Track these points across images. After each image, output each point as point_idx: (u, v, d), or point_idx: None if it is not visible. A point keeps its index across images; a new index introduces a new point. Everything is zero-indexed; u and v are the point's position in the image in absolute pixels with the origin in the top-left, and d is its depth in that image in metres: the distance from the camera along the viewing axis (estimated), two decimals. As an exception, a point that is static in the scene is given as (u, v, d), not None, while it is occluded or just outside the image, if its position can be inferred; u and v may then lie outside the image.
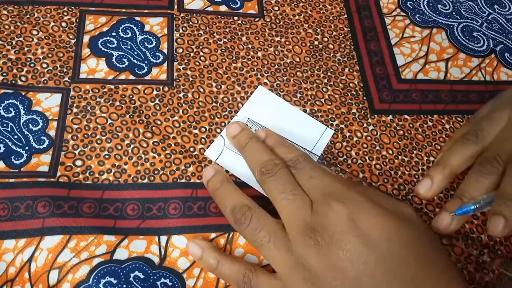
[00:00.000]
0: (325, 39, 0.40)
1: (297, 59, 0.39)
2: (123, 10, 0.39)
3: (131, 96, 0.35)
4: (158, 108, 0.35)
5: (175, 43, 0.38)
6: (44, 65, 0.35)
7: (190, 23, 0.40)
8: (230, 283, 0.28)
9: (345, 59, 0.39)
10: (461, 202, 0.30)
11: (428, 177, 0.32)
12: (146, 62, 0.37)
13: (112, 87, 0.35)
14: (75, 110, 0.34)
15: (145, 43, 0.38)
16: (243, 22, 0.40)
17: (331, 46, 0.40)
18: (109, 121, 0.34)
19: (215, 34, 0.39)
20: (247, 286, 0.26)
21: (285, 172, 0.28)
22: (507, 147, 0.31)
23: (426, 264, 0.24)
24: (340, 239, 0.24)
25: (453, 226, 0.30)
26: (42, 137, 0.32)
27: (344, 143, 0.35)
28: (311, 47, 0.40)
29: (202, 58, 0.38)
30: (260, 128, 0.33)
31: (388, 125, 0.36)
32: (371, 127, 0.36)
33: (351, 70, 0.39)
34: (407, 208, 0.27)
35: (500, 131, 0.32)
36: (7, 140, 0.32)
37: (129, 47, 0.37)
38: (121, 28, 0.38)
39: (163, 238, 0.30)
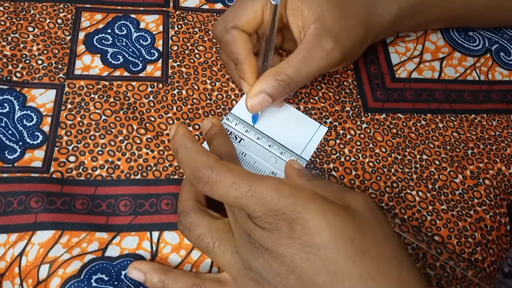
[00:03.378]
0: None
1: (292, 57, 0.39)
2: (119, 7, 0.40)
3: (125, 93, 0.35)
4: (152, 105, 0.35)
5: (170, 41, 0.38)
6: (39, 62, 0.36)
7: (186, 20, 0.40)
8: None
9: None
10: None
11: None
12: (141, 59, 0.37)
13: (107, 83, 0.35)
14: (69, 106, 0.34)
15: (140, 40, 0.38)
16: (239, 20, 0.40)
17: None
18: (103, 117, 0.34)
19: (210, 31, 0.39)
20: None
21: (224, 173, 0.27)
22: None
23: (374, 261, 0.23)
24: (281, 244, 0.23)
25: None
26: (36, 133, 0.33)
27: (338, 141, 0.35)
28: (306, 45, 0.40)
29: (197, 56, 0.38)
30: (206, 119, 0.33)
31: (382, 123, 0.36)
32: (364, 125, 0.36)
33: (345, 69, 0.39)
34: (354, 199, 0.25)
35: None
36: (1, 135, 0.32)
37: (124, 44, 0.38)
38: (116, 25, 0.39)
39: (155, 234, 0.30)
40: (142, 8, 0.40)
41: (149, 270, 0.28)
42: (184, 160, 0.26)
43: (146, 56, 0.37)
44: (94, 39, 0.37)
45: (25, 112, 0.33)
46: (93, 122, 0.33)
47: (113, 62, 0.36)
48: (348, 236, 0.22)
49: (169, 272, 0.28)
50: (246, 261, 0.25)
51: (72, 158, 0.32)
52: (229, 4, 0.41)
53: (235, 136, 0.34)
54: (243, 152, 0.33)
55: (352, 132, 0.36)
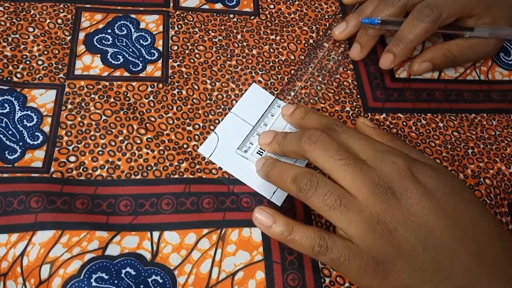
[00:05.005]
0: (320, 38, 0.40)
1: (292, 57, 0.39)
2: (119, 7, 0.40)
3: (125, 93, 0.35)
4: (152, 105, 0.35)
5: (170, 41, 0.38)
6: (40, 62, 0.36)
7: (186, 20, 0.40)
8: (302, 249, 0.27)
9: (340, 57, 0.39)
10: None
11: (344, 21, 0.40)
12: (141, 59, 0.37)
13: (107, 83, 0.35)
14: (69, 106, 0.34)
15: (140, 40, 0.38)
16: (239, 20, 0.40)
17: (325, 44, 0.40)
18: (103, 117, 0.34)
19: (210, 31, 0.39)
20: (323, 249, 0.26)
21: (329, 138, 0.28)
22: None
23: (476, 208, 0.26)
24: (406, 190, 0.26)
25: (345, 34, 0.39)
26: (37, 133, 0.33)
27: (338, 141, 0.35)
28: (306, 45, 0.40)
29: (197, 56, 0.38)
30: (285, 105, 0.35)
31: (382, 123, 0.36)
32: (364, 125, 0.36)
33: (345, 69, 0.39)
34: (439, 165, 0.29)
35: None
36: (1, 136, 0.32)
37: (124, 44, 0.38)
38: (116, 25, 0.39)
39: (156, 234, 0.30)
40: (142, 8, 0.40)
41: (278, 215, 0.28)
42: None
43: (146, 56, 0.37)
44: (94, 39, 0.37)
45: (25, 112, 0.33)
46: (93, 122, 0.33)
47: (113, 62, 0.36)
48: (452, 187, 0.27)
49: (297, 222, 0.27)
50: (376, 214, 0.25)
51: (72, 158, 0.32)
52: (229, 4, 0.41)
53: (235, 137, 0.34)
54: (245, 150, 0.33)
55: (352, 131, 0.36)
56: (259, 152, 0.33)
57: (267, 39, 0.40)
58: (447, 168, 0.34)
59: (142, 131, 0.34)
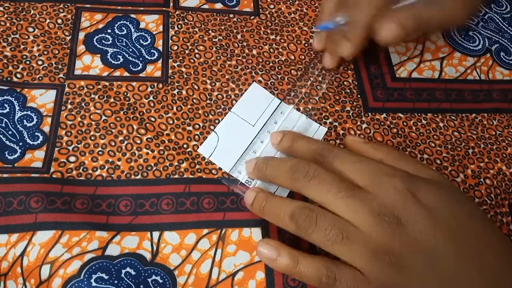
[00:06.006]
0: (320, 37, 0.40)
1: (292, 57, 0.39)
2: (119, 7, 0.40)
3: (125, 93, 0.35)
4: (152, 105, 0.35)
5: (170, 41, 0.38)
6: (40, 62, 0.36)
7: (186, 20, 0.40)
8: (309, 281, 0.26)
9: (340, 57, 0.39)
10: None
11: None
12: (141, 59, 0.37)
13: (107, 83, 0.35)
14: (69, 106, 0.34)
15: (140, 40, 0.38)
16: (239, 19, 0.40)
17: (326, 44, 0.40)
18: (103, 117, 0.34)
19: (210, 31, 0.39)
20: (331, 280, 0.25)
21: (323, 171, 0.27)
22: None
23: (478, 221, 0.26)
24: (410, 215, 0.25)
25: (320, 45, 0.38)
26: (36, 133, 0.33)
27: (338, 141, 0.35)
28: (306, 45, 0.40)
29: (197, 56, 0.38)
30: (274, 132, 0.34)
31: (382, 123, 0.36)
32: (364, 125, 0.36)
33: (345, 69, 0.39)
34: (438, 176, 0.28)
35: None
36: (1, 136, 0.32)
37: (124, 44, 0.38)
38: (116, 25, 0.38)
39: (155, 234, 0.30)
40: (142, 8, 0.40)
41: (283, 248, 0.27)
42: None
43: (146, 56, 0.37)
44: (94, 39, 0.37)
45: (25, 112, 0.33)
46: (93, 123, 0.33)
47: (113, 62, 0.36)
48: (451, 205, 0.26)
49: (302, 253, 0.26)
50: (383, 244, 0.25)
51: (72, 159, 0.32)
52: (229, 4, 0.41)
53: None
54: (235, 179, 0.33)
55: (352, 132, 0.36)
56: (247, 181, 0.32)
57: (267, 39, 0.40)
58: (447, 179, 0.32)
59: (142, 131, 0.33)
